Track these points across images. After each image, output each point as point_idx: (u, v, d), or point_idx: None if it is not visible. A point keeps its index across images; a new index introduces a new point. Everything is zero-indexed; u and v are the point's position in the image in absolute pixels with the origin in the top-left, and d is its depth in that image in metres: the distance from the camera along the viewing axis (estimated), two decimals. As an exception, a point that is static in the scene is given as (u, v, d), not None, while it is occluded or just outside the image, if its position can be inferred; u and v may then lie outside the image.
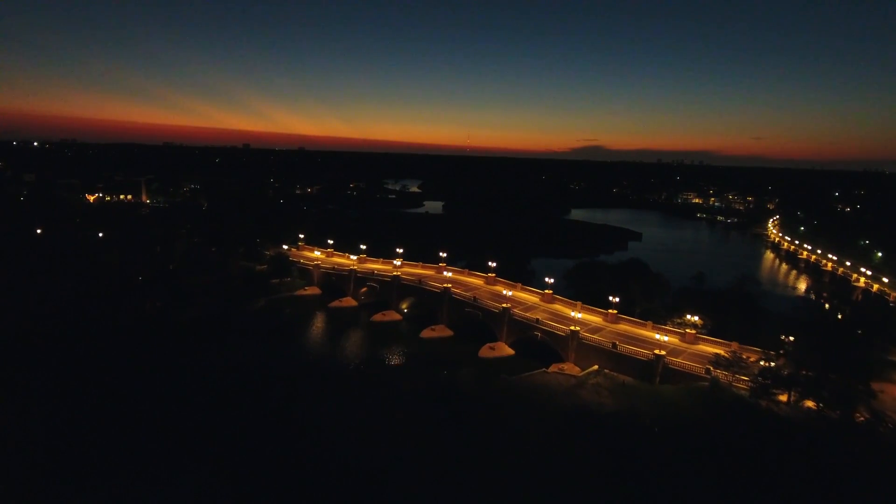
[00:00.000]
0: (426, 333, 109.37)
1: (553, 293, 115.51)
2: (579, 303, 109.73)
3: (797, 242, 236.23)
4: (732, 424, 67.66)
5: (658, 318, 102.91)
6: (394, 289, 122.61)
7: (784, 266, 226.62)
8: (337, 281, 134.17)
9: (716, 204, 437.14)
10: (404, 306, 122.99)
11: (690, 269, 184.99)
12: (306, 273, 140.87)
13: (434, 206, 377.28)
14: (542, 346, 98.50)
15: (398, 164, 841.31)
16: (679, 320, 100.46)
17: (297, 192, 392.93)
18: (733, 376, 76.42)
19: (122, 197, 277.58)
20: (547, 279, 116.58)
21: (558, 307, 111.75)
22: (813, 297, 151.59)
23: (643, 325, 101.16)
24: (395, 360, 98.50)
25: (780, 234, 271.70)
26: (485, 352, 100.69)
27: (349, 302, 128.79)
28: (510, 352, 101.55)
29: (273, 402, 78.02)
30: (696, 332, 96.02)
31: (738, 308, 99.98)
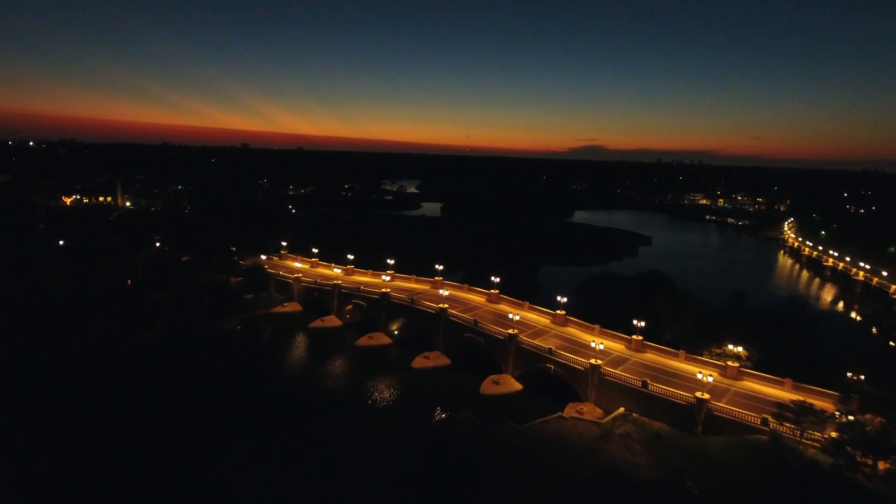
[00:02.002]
0: (419, 362, 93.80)
1: (566, 314, 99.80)
2: (597, 326, 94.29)
3: (820, 248, 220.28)
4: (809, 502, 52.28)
5: (691, 345, 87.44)
6: (382, 307, 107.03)
7: (806, 274, 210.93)
8: (319, 296, 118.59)
9: (724, 205, 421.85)
10: (394, 328, 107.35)
11: (710, 279, 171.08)
12: (286, 287, 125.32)
13: (432, 208, 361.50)
14: (554, 378, 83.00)
15: (396, 164, 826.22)
16: (718, 350, 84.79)
17: (291, 193, 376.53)
18: (801, 431, 60.90)
19: (101, 199, 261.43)
20: (559, 298, 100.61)
21: (573, 331, 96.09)
22: (864, 320, 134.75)
23: (674, 356, 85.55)
24: (381, 396, 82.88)
25: (799, 239, 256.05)
26: (487, 387, 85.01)
27: (333, 321, 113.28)
28: (517, 386, 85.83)
29: (226, 457, 62.56)
30: (740, 366, 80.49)
31: (787, 335, 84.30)
